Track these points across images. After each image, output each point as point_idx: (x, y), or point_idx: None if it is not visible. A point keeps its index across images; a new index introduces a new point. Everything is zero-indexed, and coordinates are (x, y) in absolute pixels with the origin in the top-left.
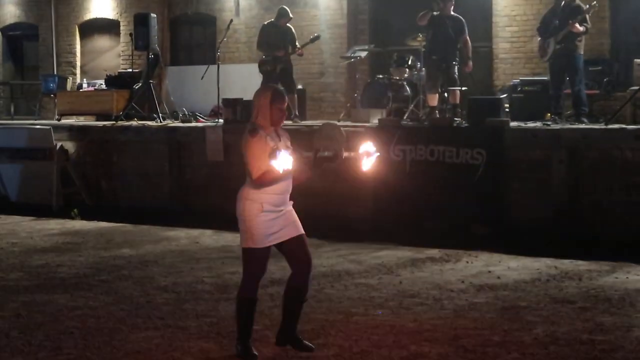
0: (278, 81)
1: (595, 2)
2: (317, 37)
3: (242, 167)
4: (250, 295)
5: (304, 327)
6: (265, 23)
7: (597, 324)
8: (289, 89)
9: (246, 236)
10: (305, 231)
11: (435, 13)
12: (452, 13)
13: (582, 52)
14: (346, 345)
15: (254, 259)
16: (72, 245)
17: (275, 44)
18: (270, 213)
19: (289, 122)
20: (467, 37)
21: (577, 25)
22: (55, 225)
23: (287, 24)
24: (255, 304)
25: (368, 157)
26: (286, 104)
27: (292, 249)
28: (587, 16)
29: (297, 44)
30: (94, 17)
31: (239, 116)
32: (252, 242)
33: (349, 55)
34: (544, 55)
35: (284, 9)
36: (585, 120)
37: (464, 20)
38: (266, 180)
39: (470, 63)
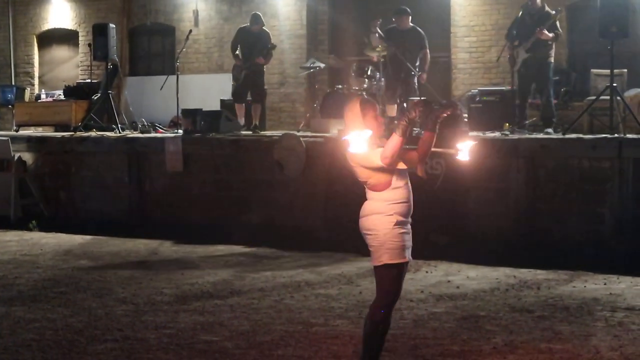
0: (244, 87)
1: (560, 8)
2: (273, 47)
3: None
4: (387, 317)
5: (263, 339)
6: (241, 27)
7: (555, 332)
8: (253, 97)
9: (381, 252)
10: (265, 242)
11: (391, 26)
12: (410, 25)
13: (552, 60)
14: (306, 355)
15: (392, 276)
16: (30, 257)
17: (243, 50)
18: (402, 226)
19: (249, 133)
20: (427, 51)
21: (545, 32)
22: (13, 237)
23: (263, 30)
24: (389, 327)
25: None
26: (378, 109)
27: None
28: (557, 22)
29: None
30: (52, 27)
31: (198, 127)
32: (389, 257)
33: (309, 65)
34: (514, 65)
35: (253, 15)
36: (550, 130)
37: (423, 33)
38: (389, 154)
39: (425, 75)
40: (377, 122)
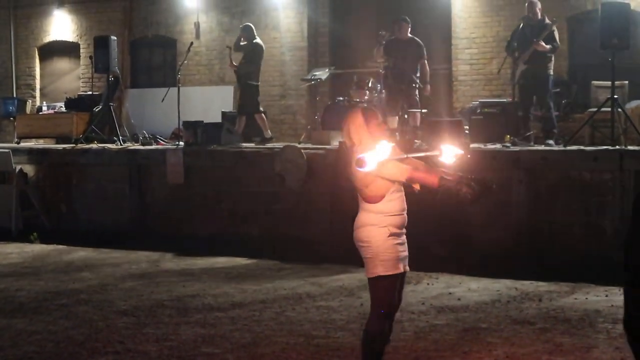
0: None
1: (555, 18)
2: (229, 47)
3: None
4: (382, 328)
5: (264, 351)
6: None
7: (556, 344)
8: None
9: (375, 263)
10: (266, 254)
11: (391, 37)
12: (409, 36)
13: (552, 73)
14: None
15: (386, 288)
16: (31, 269)
17: None
18: (396, 237)
19: (252, 145)
20: (425, 61)
21: (541, 43)
22: (14, 249)
23: (250, 42)
24: (387, 340)
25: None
26: (380, 117)
27: None
28: (555, 34)
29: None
30: (54, 39)
31: (199, 139)
32: (383, 268)
33: (310, 77)
34: (512, 78)
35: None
36: (552, 142)
37: (422, 43)
38: (413, 180)
39: (429, 87)
40: (381, 130)
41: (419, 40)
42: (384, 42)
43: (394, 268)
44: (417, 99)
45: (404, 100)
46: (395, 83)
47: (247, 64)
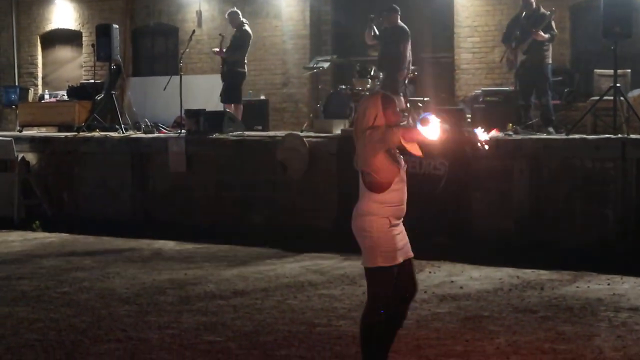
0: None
1: (553, 8)
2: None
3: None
4: (380, 319)
5: (266, 339)
6: None
7: (558, 333)
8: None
9: (374, 254)
10: (268, 242)
11: (383, 26)
12: (399, 23)
13: (550, 62)
14: (309, 356)
15: (384, 279)
16: (34, 257)
17: None
18: (395, 228)
19: (254, 133)
20: (406, 45)
21: (540, 33)
22: (16, 237)
23: (239, 28)
24: (384, 327)
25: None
26: (397, 105)
27: (401, 272)
28: (553, 23)
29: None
30: (56, 27)
31: (201, 127)
32: (383, 260)
33: (312, 65)
34: (512, 67)
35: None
36: (552, 130)
37: (406, 29)
38: (410, 134)
39: (403, 72)
40: (395, 118)
41: (404, 26)
42: (376, 29)
43: (393, 259)
44: (401, 84)
45: (390, 85)
46: (384, 70)
47: (235, 51)
